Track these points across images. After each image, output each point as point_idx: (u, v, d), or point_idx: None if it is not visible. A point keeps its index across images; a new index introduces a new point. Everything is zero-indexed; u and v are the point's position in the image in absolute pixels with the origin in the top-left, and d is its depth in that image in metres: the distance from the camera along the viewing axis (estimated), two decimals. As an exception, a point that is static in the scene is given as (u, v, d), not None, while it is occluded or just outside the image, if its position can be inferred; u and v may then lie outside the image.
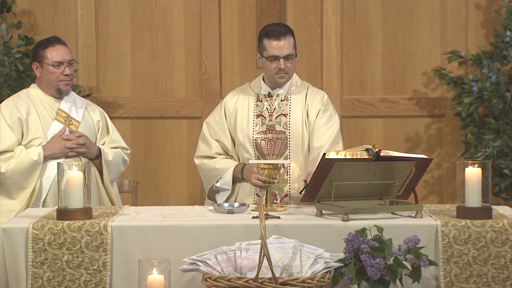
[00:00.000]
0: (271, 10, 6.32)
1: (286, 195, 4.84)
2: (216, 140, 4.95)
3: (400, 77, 6.39)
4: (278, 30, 4.85)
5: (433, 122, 6.40)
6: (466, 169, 4.09)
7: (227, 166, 4.88)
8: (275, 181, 4.52)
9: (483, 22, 6.34)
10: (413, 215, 4.14)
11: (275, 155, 4.87)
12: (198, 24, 6.37)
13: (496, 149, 5.98)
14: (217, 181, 4.88)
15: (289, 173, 4.86)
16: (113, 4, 6.36)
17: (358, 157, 4.21)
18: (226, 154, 4.95)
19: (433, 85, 6.38)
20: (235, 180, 4.87)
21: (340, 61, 6.37)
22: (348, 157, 4.19)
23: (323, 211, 4.18)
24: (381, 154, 4.23)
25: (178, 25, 6.38)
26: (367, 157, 4.22)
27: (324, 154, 4.20)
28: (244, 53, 6.38)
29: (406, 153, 4.65)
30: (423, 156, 4.31)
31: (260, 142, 4.89)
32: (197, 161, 4.99)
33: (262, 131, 4.90)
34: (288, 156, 4.85)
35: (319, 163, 4.19)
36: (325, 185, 4.13)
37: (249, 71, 6.33)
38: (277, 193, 4.85)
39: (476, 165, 4.08)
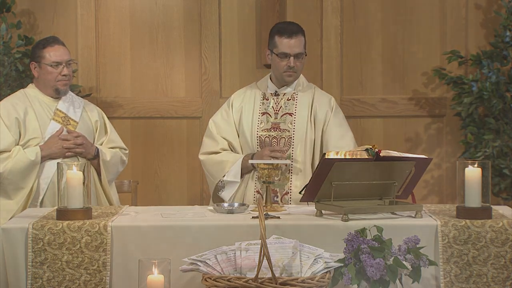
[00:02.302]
0: (271, 10, 6.32)
1: (287, 193, 4.84)
2: (223, 138, 4.95)
3: (400, 77, 6.38)
4: (291, 28, 4.89)
5: (433, 122, 6.40)
6: (466, 169, 4.08)
7: (235, 158, 4.88)
8: (277, 179, 4.51)
9: (483, 22, 6.33)
10: (413, 215, 4.14)
11: None
12: (198, 24, 6.37)
13: (496, 149, 5.97)
14: (224, 175, 4.87)
15: (291, 171, 4.87)
16: (113, 4, 6.36)
17: (358, 157, 4.21)
18: (232, 151, 4.95)
19: (433, 85, 6.38)
20: (243, 172, 4.86)
21: (340, 61, 6.36)
22: (348, 157, 4.19)
23: (323, 211, 4.18)
24: (381, 154, 4.23)
25: (178, 25, 6.37)
26: (367, 157, 4.22)
27: (324, 154, 4.21)
28: (244, 53, 6.37)
29: (406, 153, 4.65)
30: (422, 156, 4.31)
31: (265, 139, 4.91)
32: (202, 157, 4.98)
33: (267, 129, 4.92)
34: (291, 155, 4.86)
35: (319, 163, 4.20)
36: (325, 185, 4.13)
37: (249, 71, 6.33)
38: (278, 190, 4.85)
39: (476, 165, 4.08)
